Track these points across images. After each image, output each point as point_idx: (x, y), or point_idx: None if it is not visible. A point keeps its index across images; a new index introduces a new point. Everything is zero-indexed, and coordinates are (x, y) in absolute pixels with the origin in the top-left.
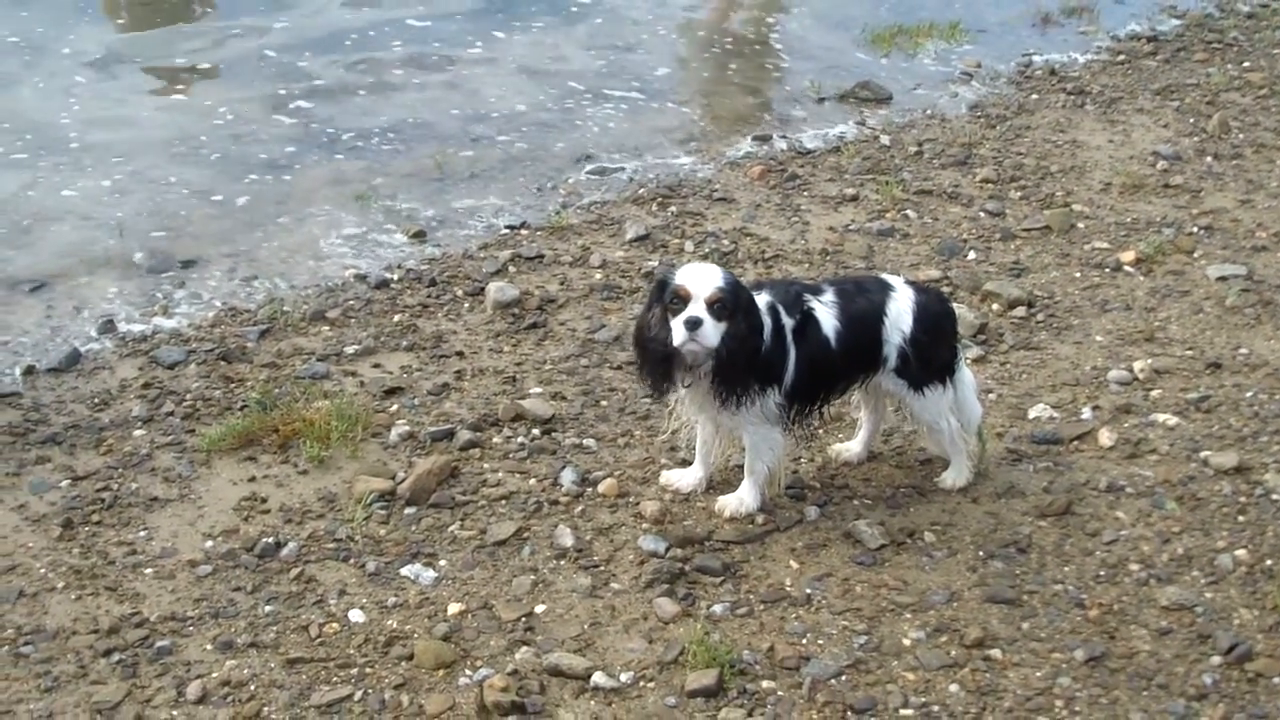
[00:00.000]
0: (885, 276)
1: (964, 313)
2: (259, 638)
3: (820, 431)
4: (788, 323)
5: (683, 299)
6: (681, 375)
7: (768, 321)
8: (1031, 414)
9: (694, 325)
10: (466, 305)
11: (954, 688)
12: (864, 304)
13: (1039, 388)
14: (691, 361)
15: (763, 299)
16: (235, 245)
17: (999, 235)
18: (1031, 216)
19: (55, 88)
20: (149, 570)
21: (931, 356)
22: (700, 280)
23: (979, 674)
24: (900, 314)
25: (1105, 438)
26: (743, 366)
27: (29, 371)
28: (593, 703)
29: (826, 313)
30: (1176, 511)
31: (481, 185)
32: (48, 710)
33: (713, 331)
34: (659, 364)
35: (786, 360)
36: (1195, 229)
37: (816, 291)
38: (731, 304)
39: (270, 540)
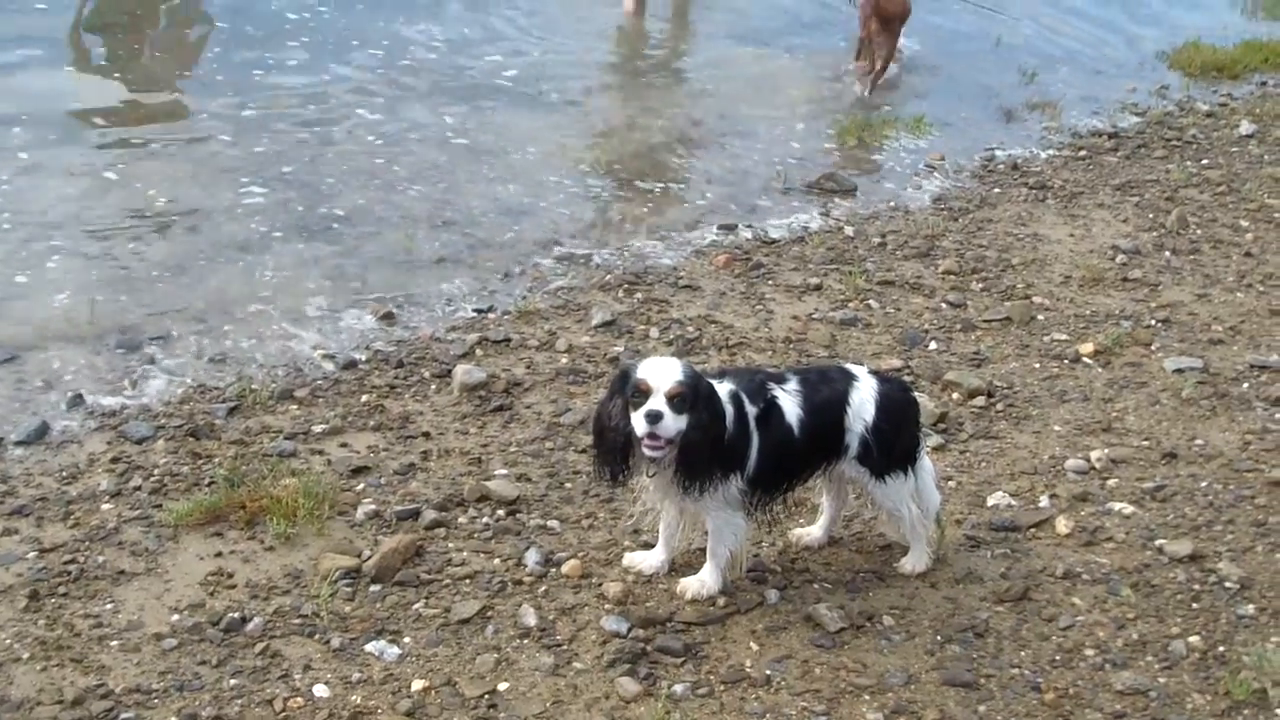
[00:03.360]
0: (849, 365)
1: (925, 401)
2: (224, 711)
3: (782, 516)
4: (751, 410)
5: (644, 393)
6: (643, 464)
7: (730, 410)
8: (990, 501)
9: (654, 419)
10: (434, 387)
11: None
12: (827, 393)
13: (998, 476)
14: (652, 456)
15: (726, 387)
16: (205, 323)
17: (960, 326)
18: (992, 308)
19: (24, 161)
20: (115, 643)
21: (894, 445)
22: (661, 374)
23: None
24: (863, 403)
25: (1062, 525)
26: (705, 456)
27: None
28: None
29: (790, 401)
30: (1131, 598)
31: (450, 269)
32: None
33: (672, 424)
34: (616, 453)
35: (749, 447)
36: (1153, 322)
37: (780, 380)
38: (691, 397)
39: (236, 615)
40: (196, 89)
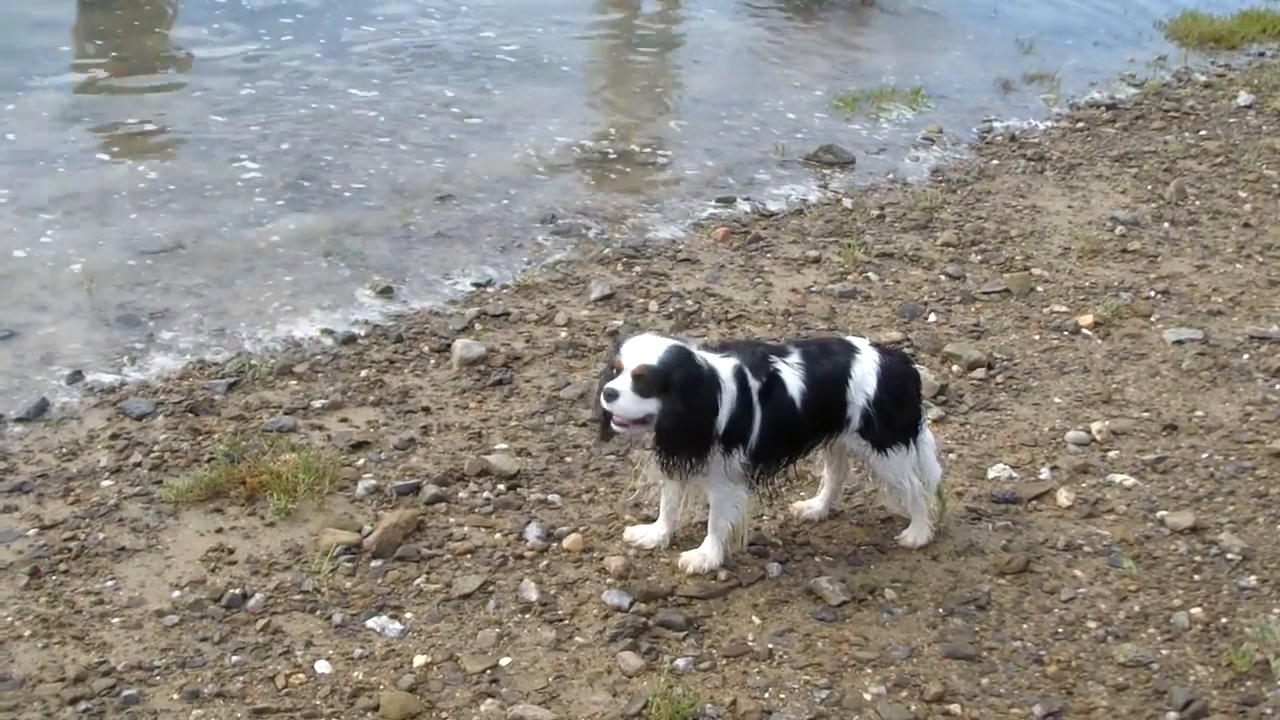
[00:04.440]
0: (850, 338)
1: (925, 374)
2: (225, 688)
3: (783, 489)
4: (754, 385)
5: (616, 369)
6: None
7: (732, 387)
8: (991, 474)
9: (610, 397)
10: (433, 362)
11: None
12: (829, 366)
13: (998, 448)
14: (618, 431)
15: (730, 362)
16: (203, 299)
17: (959, 298)
18: (991, 280)
19: (22, 140)
20: (116, 620)
21: (895, 418)
22: (633, 353)
23: None
24: (865, 376)
25: (1063, 497)
26: (679, 442)
27: None
28: None
29: (792, 374)
30: (1133, 570)
31: (448, 243)
32: None
33: (631, 405)
34: (600, 422)
35: (752, 422)
36: (1152, 293)
37: (782, 353)
38: (661, 381)
39: (237, 591)
40: (190, 64)
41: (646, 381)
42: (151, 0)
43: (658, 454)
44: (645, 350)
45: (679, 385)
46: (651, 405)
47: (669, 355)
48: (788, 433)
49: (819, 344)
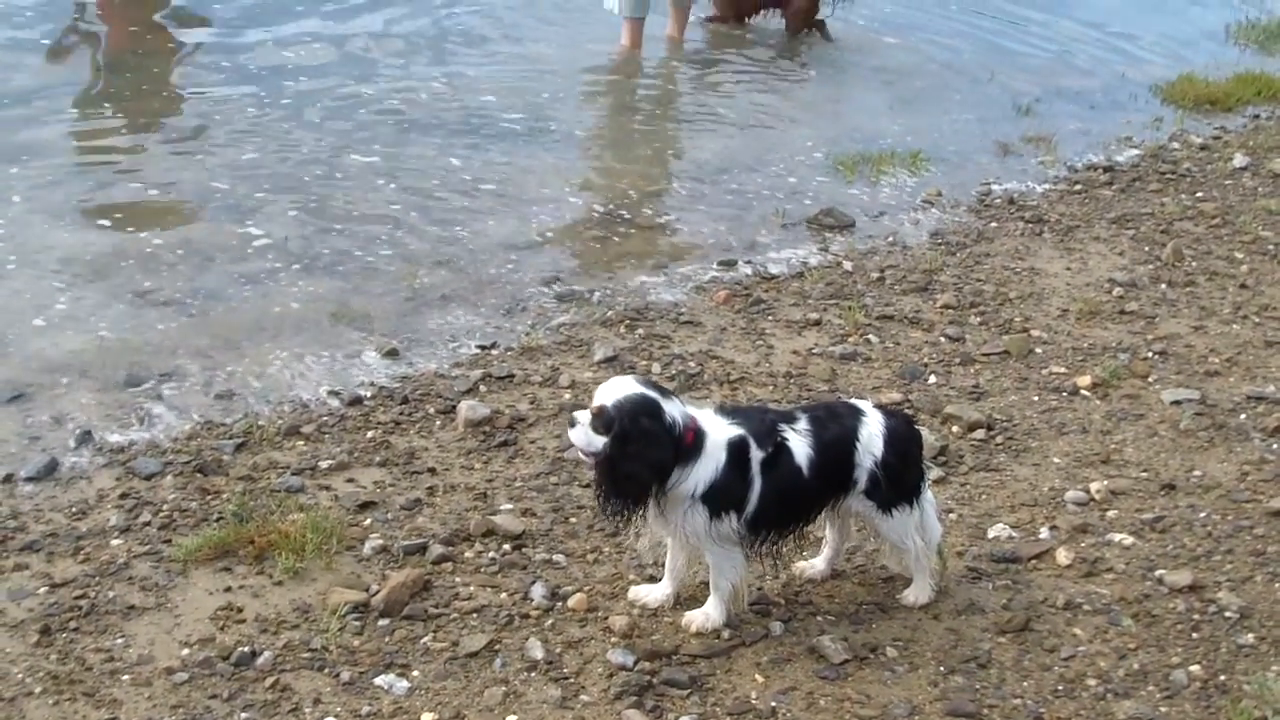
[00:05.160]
0: (855, 402)
1: (925, 435)
2: None
3: (785, 550)
4: (756, 455)
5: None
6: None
7: (723, 456)
8: (991, 533)
9: (571, 424)
10: (438, 423)
11: None
12: (837, 429)
13: (998, 508)
14: (583, 460)
15: (731, 431)
16: (211, 360)
17: (959, 360)
18: (991, 341)
19: (30, 203)
20: (126, 677)
21: (900, 479)
22: (602, 392)
23: None
24: (871, 438)
25: (1063, 556)
26: (609, 483)
27: (7, 479)
28: None
29: (800, 442)
30: (1132, 628)
31: (453, 306)
32: None
33: (582, 438)
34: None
35: (748, 492)
36: (1150, 354)
37: (790, 420)
38: (609, 421)
39: (246, 649)
40: (197, 128)
41: (600, 420)
42: (161, 63)
43: (595, 488)
44: (609, 391)
45: (620, 431)
46: (600, 443)
47: (625, 399)
48: (796, 499)
49: (826, 408)
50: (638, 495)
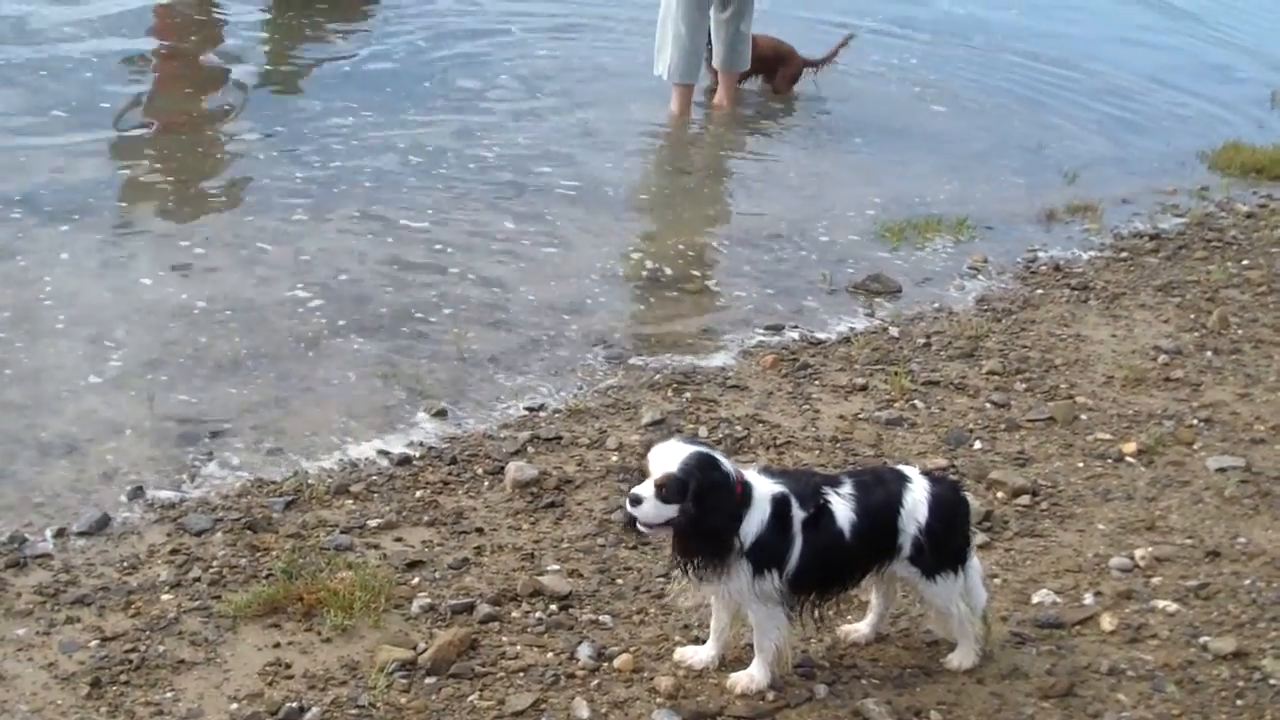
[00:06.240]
0: (901, 467)
1: (970, 500)
2: None
3: (830, 613)
4: (798, 515)
5: (642, 474)
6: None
7: (766, 509)
8: (1035, 599)
9: (635, 502)
10: (486, 483)
11: None
12: (881, 494)
13: (1042, 574)
14: (645, 533)
15: (775, 488)
16: (261, 418)
17: (1004, 425)
18: (1036, 408)
19: (81, 262)
20: None
21: (945, 545)
22: (659, 460)
23: None
24: (916, 504)
25: (1107, 622)
26: (694, 544)
27: (60, 533)
28: None
29: (843, 505)
30: (1176, 695)
31: (502, 367)
32: None
33: (652, 511)
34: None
35: (789, 550)
36: (1195, 421)
37: (835, 483)
38: (679, 489)
39: (294, 705)
40: (245, 191)
41: (669, 489)
42: (212, 127)
43: (676, 555)
44: (669, 457)
45: (695, 490)
46: (672, 511)
47: (690, 460)
48: (836, 562)
49: (872, 473)
50: (726, 547)
